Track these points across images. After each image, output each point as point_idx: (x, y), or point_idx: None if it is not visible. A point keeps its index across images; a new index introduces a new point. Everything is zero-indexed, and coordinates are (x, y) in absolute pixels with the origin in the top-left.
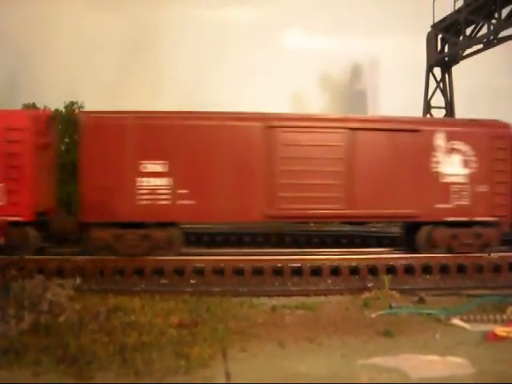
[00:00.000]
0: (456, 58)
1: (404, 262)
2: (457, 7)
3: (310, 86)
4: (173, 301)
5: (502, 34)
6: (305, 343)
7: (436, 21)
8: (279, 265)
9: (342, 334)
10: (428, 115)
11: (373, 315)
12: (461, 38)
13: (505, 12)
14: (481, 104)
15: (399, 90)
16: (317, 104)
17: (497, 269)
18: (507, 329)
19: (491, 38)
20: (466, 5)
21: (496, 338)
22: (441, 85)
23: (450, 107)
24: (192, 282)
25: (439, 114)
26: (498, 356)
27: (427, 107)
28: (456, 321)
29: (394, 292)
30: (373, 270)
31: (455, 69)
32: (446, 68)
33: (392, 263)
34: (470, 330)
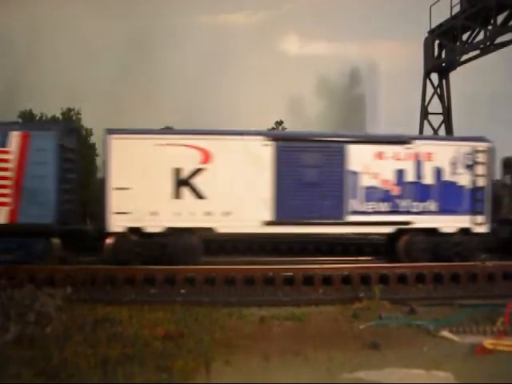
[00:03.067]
0: (453, 64)
1: (397, 271)
2: (453, 13)
3: (308, 91)
4: (161, 311)
5: (499, 40)
6: (290, 356)
7: (433, 27)
8: (271, 274)
9: (328, 347)
10: (425, 121)
11: (361, 326)
12: (457, 43)
13: (500, 18)
14: (479, 109)
15: (397, 96)
16: (315, 110)
17: (491, 278)
18: (496, 341)
19: (488, 43)
20: (463, 11)
21: (484, 351)
22: (438, 90)
23: (447, 113)
24: (182, 291)
25: (437, 120)
26: (484, 370)
27: (424, 113)
28: (445, 333)
29: (385, 302)
30: (365, 279)
31: (453, 74)
32: (444, 74)
33: (385, 272)
34: (459, 342)
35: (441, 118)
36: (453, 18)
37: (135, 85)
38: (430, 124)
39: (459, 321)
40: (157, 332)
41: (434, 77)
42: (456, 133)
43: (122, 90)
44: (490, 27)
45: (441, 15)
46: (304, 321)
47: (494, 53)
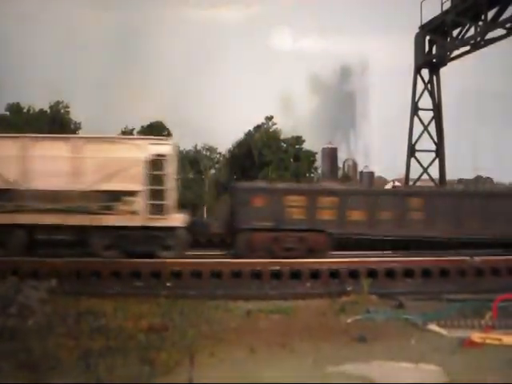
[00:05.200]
0: (444, 60)
1: (385, 265)
2: (444, 9)
3: (299, 87)
4: (147, 304)
5: (489, 35)
6: (276, 349)
7: (424, 22)
8: (258, 268)
9: (315, 340)
10: (415, 117)
11: (349, 320)
12: (448, 39)
13: (491, 14)
14: (469, 106)
15: (388, 92)
16: (305, 105)
17: (479, 273)
18: (484, 335)
19: (478, 39)
20: (453, 6)
21: (472, 344)
22: (429, 86)
23: (437, 109)
24: (168, 284)
25: (427, 115)
26: (473, 363)
27: (415, 109)
28: (433, 326)
29: (373, 296)
30: (353, 273)
31: (443, 70)
32: (434, 70)
33: (373, 267)
34: (447, 335)
35: (431, 114)
36: (443, 13)
37: (123, 79)
38: (420, 120)
39: (448, 315)
40: (141, 325)
41: (425, 73)
42: (446, 129)
43: (110, 84)
44: (480, 23)
45: (432, 11)
46: (291, 314)
47: (486, 48)
